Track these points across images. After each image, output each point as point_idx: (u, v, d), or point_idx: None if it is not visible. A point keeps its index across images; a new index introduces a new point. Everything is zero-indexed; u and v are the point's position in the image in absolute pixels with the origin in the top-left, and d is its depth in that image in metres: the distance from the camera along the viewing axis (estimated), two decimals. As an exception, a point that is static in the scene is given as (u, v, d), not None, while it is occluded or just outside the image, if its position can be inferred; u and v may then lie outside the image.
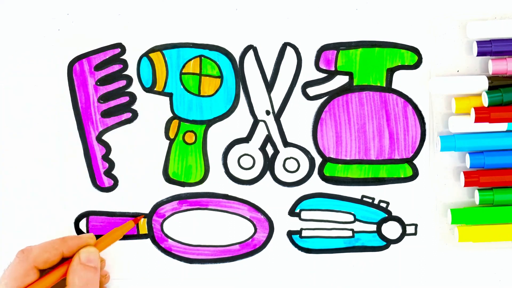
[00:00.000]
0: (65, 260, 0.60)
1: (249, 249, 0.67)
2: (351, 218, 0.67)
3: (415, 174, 0.66)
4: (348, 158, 0.66)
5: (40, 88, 0.66)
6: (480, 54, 0.63)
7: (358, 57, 0.65)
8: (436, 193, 0.66)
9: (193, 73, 0.66)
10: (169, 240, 0.67)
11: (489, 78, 0.63)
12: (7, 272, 0.58)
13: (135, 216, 0.67)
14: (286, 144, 0.66)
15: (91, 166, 0.66)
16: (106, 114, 0.66)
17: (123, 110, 0.66)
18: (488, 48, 0.63)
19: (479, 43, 0.63)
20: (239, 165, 0.66)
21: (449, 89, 0.63)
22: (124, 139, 0.66)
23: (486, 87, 0.63)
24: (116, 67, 0.66)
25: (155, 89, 0.66)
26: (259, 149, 0.66)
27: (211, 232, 0.67)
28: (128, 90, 0.66)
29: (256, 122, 0.66)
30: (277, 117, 0.66)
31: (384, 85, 0.65)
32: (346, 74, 0.66)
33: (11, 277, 0.57)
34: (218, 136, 0.66)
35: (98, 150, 0.66)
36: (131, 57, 0.66)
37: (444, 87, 0.63)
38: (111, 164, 0.66)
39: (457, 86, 0.63)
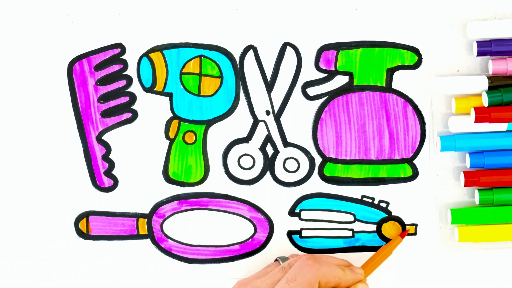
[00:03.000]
0: None
1: (249, 249, 0.67)
2: (351, 218, 0.67)
3: (415, 174, 0.66)
4: (348, 158, 0.66)
5: (40, 88, 0.66)
6: (480, 54, 0.63)
7: (358, 57, 0.65)
8: (436, 193, 0.66)
9: (193, 73, 0.66)
10: (169, 240, 0.67)
11: (489, 78, 0.63)
12: (297, 272, 0.58)
13: (135, 216, 0.67)
14: (286, 144, 0.66)
15: (91, 166, 0.66)
16: (106, 114, 0.66)
17: (123, 110, 0.66)
18: (488, 48, 0.63)
19: (479, 43, 0.63)
20: (239, 165, 0.66)
21: (449, 89, 0.63)
22: (124, 139, 0.66)
23: (486, 87, 0.63)
24: (116, 67, 0.66)
25: (155, 89, 0.66)
26: (259, 149, 0.66)
27: (211, 232, 0.67)
28: (128, 90, 0.66)
29: (256, 122, 0.66)
30: (277, 117, 0.66)
31: (384, 85, 0.65)
32: (346, 74, 0.66)
33: (299, 281, 0.58)
34: (218, 136, 0.66)
35: (98, 150, 0.66)
36: (131, 57, 0.66)
37: (444, 87, 0.63)
38: (111, 164, 0.66)
39: (457, 86, 0.63)
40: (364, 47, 0.65)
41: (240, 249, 0.67)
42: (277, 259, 0.64)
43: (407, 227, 0.66)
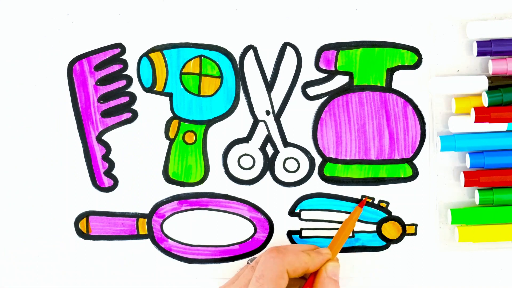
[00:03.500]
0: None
1: (249, 249, 0.67)
2: (351, 218, 0.67)
3: (415, 174, 0.66)
4: (348, 158, 0.66)
5: (40, 88, 0.66)
6: (480, 54, 0.63)
7: (358, 57, 0.65)
8: (436, 193, 0.66)
9: (193, 73, 0.66)
10: (169, 240, 0.67)
11: (489, 78, 0.63)
12: (263, 268, 0.58)
13: (135, 216, 0.67)
14: (286, 144, 0.66)
15: (91, 166, 0.66)
16: (106, 114, 0.66)
17: (123, 110, 0.66)
18: (488, 48, 0.63)
19: (479, 43, 0.63)
20: (239, 165, 0.66)
21: (449, 89, 0.63)
22: (124, 139, 0.66)
23: (486, 87, 0.63)
24: (116, 67, 0.66)
25: (155, 89, 0.66)
26: (259, 149, 0.66)
27: (211, 232, 0.67)
28: (128, 90, 0.66)
29: (256, 122, 0.66)
30: (277, 117, 0.66)
31: (384, 85, 0.65)
32: (346, 74, 0.66)
33: (267, 276, 0.57)
34: (218, 136, 0.66)
35: (98, 150, 0.66)
36: (131, 57, 0.66)
37: (444, 87, 0.63)
38: (111, 164, 0.66)
39: (457, 86, 0.63)
40: (364, 47, 0.65)
41: (240, 249, 0.67)
42: (248, 261, 0.64)
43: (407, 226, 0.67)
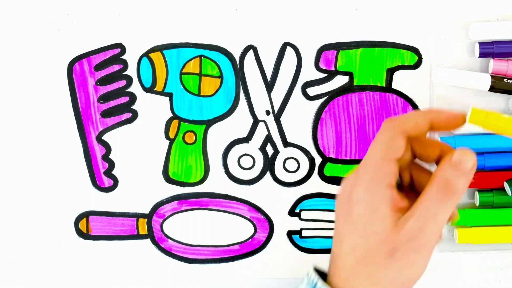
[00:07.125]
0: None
1: (249, 249, 0.67)
2: (351, 218, 0.67)
3: (415, 175, 0.66)
4: (348, 158, 0.66)
5: (40, 88, 0.66)
6: (482, 55, 0.63)
7: (358, 57, 0.65)
8: (436, 194, 0.66)
9: (193, 73, 0.66)
10: (169, 240, 0.67)
11: (492, 77, 0.63)
12: (375, 143, 0.51)
13: (135, 216, 0.67)
14: (286, 144, 0.66)
15: (91, 166, 0.66)
16: (106, 114, 0.66)
17: (123, 110, 0.66)
18: (490, 50, 0.62)
19: (481, 44, 0.63)
20: (239, 165, 0.66)
21: (452, 80, 0.62)
22: (124, 139, 0.66)
23: (488, 85, 0.62)
24: (116, 67, 0.66)
25: (155, 89, 0.66)
26: (259, 149, 0.66)
27: (211, 232, 0.67)
28: (128, 90, 0.66)
29: (256, 122, 0.66)
30: (277, 117, 0.66)
31: (384, 85, 0.65)
32: (346, 74, 0.65)
33: (377, 138, 0.50)
34: (218, 136, 0.66)
35: (98, 150, 0.66)
36: (131, 57, 0.66)
37: (448, 78, 0.62)
38: (111, 164, 0.66)
39: (459, 79, 0.62)
40: (364, 47, 0.65)
41: (240, 249, 0.67)
42: None
43: None
